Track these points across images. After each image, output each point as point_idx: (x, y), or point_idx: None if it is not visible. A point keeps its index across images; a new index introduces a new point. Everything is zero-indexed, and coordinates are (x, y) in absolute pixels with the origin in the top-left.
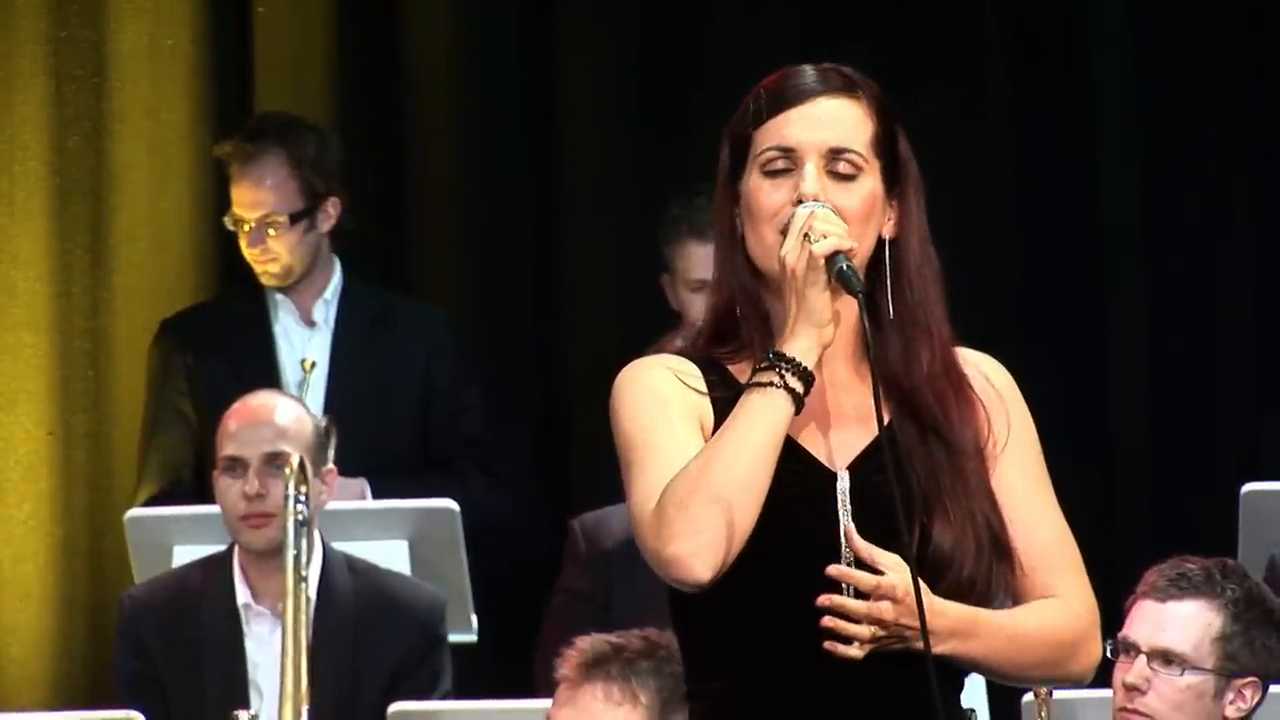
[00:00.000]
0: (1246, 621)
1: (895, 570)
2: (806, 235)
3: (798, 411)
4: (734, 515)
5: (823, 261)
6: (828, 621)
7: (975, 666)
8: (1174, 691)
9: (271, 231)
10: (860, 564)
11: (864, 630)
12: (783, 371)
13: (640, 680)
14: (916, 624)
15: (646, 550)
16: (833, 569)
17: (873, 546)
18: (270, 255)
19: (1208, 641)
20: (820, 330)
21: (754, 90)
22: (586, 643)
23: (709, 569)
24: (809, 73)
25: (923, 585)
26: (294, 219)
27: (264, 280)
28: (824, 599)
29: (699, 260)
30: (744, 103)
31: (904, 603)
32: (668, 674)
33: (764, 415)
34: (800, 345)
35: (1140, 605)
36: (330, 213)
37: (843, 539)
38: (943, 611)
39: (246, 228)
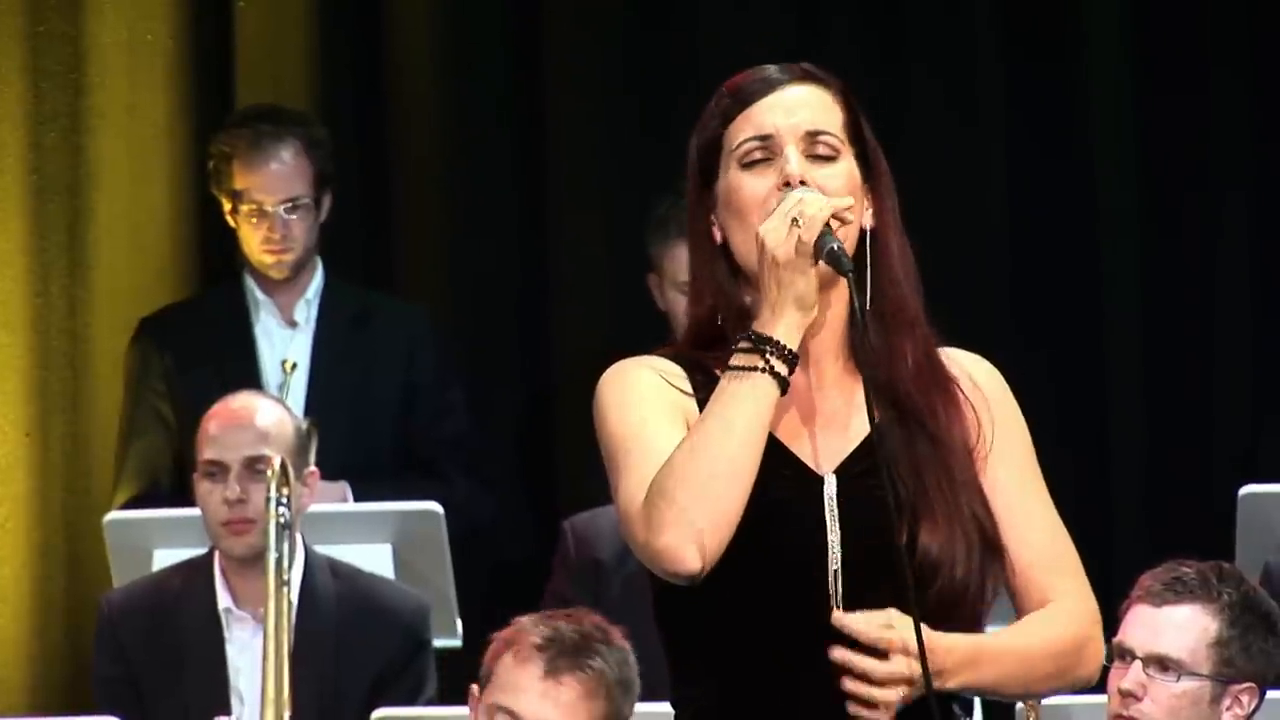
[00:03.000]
0: (1243, 626)
1: (896, 624)
2: (795, 221)
3: (783, 394)
4: (722, 504)
5: (811, 246)
6: (850, 685)
7: (987, 692)
8: (1170, 698)
9: (296, 215)
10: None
11: (891, 695)
12: (767, 354)
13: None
14: (931, 671)
15: (636, 544)
16: (837, 617)
17: (863, 619)
18: (289, 243)
19: (1204, 647)
20: (804, 313)
21: (715, 94)
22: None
23: (700, 559)
24: (771, 68)
25: (924, 630)
26: (313, 204)
27: (273, 274)
28: (836, 654)
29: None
30: (707, 108)
31: (914, 654)
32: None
33: (748, 400)
34: (783, 326)
35: (1135, 610)
36: (326, 205)
37: (829, 550)
38: (950, 648)
39: (267, 212)
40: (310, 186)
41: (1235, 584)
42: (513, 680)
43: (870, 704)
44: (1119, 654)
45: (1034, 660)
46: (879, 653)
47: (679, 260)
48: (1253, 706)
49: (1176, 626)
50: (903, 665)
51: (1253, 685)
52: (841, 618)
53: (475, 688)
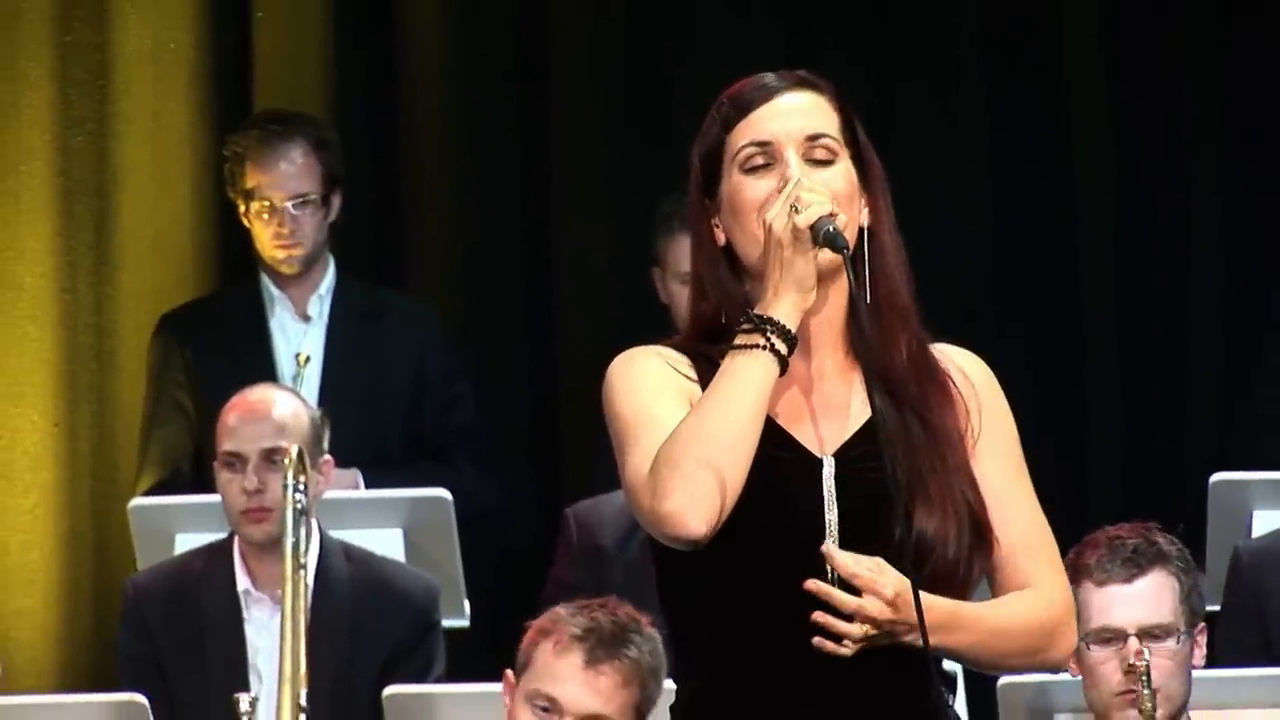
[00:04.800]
0: (1191, 575)
1: (881, 571)
2: (794, 207)
3: (782, 373)
4: (725, 471)
5: (807, 231)
6: (818, 617)
7: (957, 657)
8: (1167, 659)
9: (305, 211)
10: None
11: (855, 629)
12: (768, 333)
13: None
14: (904, 622)
15: (641, 511)
16: (826, 547)
17: (852, 558)
18: (298, 238)
19: (1178, 604)
20: (804, 295)
21: (715, 103)
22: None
23: (704, 523)
24: (768, 75)
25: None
26: (320, 201)
27: (284, 269)
28: (811, 584)
29: (691, 260)
30: (708, 116)
31: (893, 603)
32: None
33: (750, 376)
34: (783, 308)
35: (1105, 591)
36: (335, 205)
37: (828, 529)
38: (929, 606)
39: (276, 209)
40: (319, 184)
41: (1166, 540)
42: (552, 669)
43: (834, 638)
44: (1101, 639)
45: (1007, 634)
46: (855, 592)
47: (680, 253)
48: (1206, 642)
49: (1154, 595)
50: (872, 605)
51: (1204, 624)
52: (830, 549)
53: (510, 673)
